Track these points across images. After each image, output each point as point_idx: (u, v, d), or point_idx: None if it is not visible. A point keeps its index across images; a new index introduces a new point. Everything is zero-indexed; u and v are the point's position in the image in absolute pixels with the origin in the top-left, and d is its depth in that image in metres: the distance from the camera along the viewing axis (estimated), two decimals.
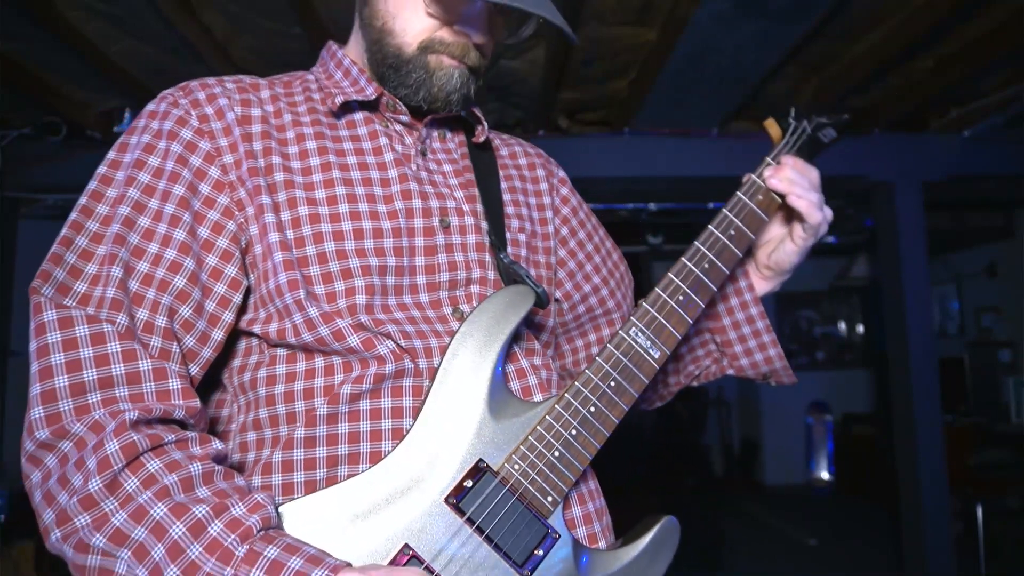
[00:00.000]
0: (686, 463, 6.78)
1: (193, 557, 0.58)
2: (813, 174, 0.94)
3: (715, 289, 0.86)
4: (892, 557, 4.47)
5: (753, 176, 0.93)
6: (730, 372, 1.09)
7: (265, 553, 0.58)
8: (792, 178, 0.91)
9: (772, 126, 0.99)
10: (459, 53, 0.83)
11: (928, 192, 3.83)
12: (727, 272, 0.87)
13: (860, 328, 7.69)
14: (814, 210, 0.92)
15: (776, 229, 1.02)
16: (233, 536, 0.59)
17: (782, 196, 0.92)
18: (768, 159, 0.94)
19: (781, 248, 1.00)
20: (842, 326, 7.78)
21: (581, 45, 2.31)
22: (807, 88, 3.42)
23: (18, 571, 3.07)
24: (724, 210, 0.90)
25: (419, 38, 0.83)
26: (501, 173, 0.96)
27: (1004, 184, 4.22)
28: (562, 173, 1.08)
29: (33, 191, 3.77)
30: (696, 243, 0.87)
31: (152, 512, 0.59)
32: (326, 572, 0.58)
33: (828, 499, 6.87)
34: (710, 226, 0.88)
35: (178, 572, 0.58)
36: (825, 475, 7.22)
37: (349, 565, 0.61)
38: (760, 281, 1.05)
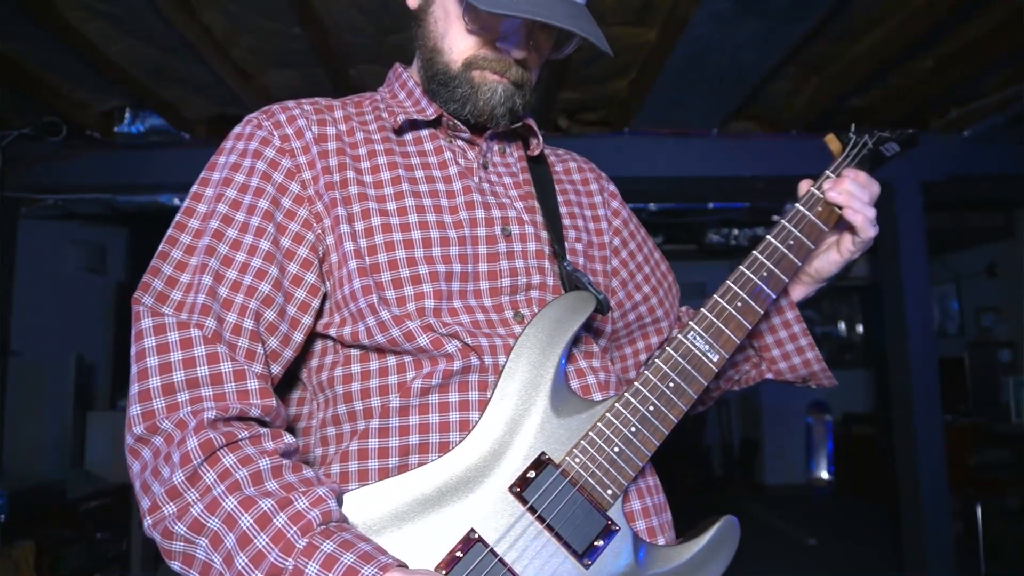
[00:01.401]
0: (686, 463, 6.78)
1: (260, 547, 0.63)
2: (875, 188, 0.95)
3: (774, 297, 0.88)
4: (892, 557, 4.47)
5: (812, 188, 0.94)
6: (769, 376, 1.11)
7: (322, 547, 0.63)
8: (851, 191, 0.92)
9: (832, 141, 0.99)
10: (501, 69, 0.88)
11: (928, 192, 3.83)
12: (786, 280, 0.89)
13: (860, 328, 7.69)
14: (868, 226, 0.93)
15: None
16: (295, 529, 0.64)
17: (839, 208, 0.93)
18: (828, 172, 0.95)
19: (824, 257, 1.01)
20: (842, 326, 7.78)
21: (580, 45, 2.32)
22: (807, 88, 3.42)
23: (18, 571, 3.07)
24: (783, 221, 0.91)
25: (464, 55, 0.88)
26: (557, 187, 1.01)
27: (1004, 184, 4.22)
28: (612, 187, 1.13)
29: (33, 191, 3.77)
30: (755, 252, 0.88)
31: (224, 504, 0.65)
32: (375, 570, 0.62)
33: (828, 499, 6.87)
34: (768, 236, 0.90)
35: (247, 560, 0.63)
36: (825, 475, 7.22)
37: (403, 565, 0.65)
38: (797, 287, 1.06)
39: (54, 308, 4.46)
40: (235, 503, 0.65)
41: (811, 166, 3.81)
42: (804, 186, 0.96)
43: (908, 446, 3.75)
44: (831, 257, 1.00)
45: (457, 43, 0.88)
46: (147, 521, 0.68)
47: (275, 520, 0.64)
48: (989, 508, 4.36)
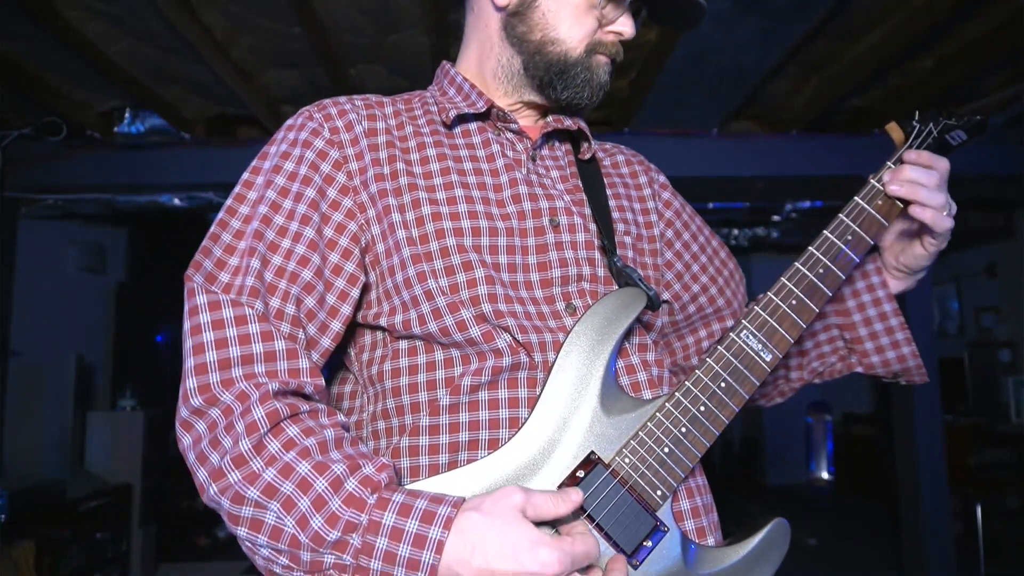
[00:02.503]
0: None
1: (334, 508, 0.66)
2: (941, 165, 0.88)
3: (830, 294, 0.85)
4: (892, 557, 4.47)
5: (872, 180, 0.89)
6: (858, 370, 1.07)
7: (393, 499, 0.67)
8: (914, 179, 0.86)
9: (894, 129, 0.94)
10: (613, 52, 0.94)
11: None
12: (843, 277, 0.86)
13: None
14: (940, 219, 0.88)
15: (901, 229, 0.98)
16: (366, 490, 0.67)
17: (904, 202, 0.88)
18: (889, 164, 0.90)
19: (909, 252, 0.98)
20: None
21: None
22: (807, 88, 3.42)
23: (18, 571, 3.07)
24: (841, 215, 0.87)
25: (584, 42, 0.92)
26: (605, 181, 1.01)
27: (1004, 184, 4.22)
28: (663, 178, 1.13)
29: (33, 191, 3.77)
30: (811, 248, 0.86)
31: (298, 469, 0.68)
32: (449, 508, 0.66)
33: (828, 499, 6.87)
34: (825, 231, 0.86)
35: (322, 520, 0.66)
36: (825, 475, 7.22)
37: (463, 499, 0.68)
38: (893, 280, 1.03)
39: (54, 308, 4.46)
40: (309, 467, 0.68)
41: (812, 166, 3.81)
42: (869, 184, 0.91)
43: (908, 446, 3.76)
44: (916, 252, 0.96)
45: (575, 31, 0.91)
46: (211, 489, 0.69)
47: (347, 484, 0.67)
48: (989, 508, 4.35)
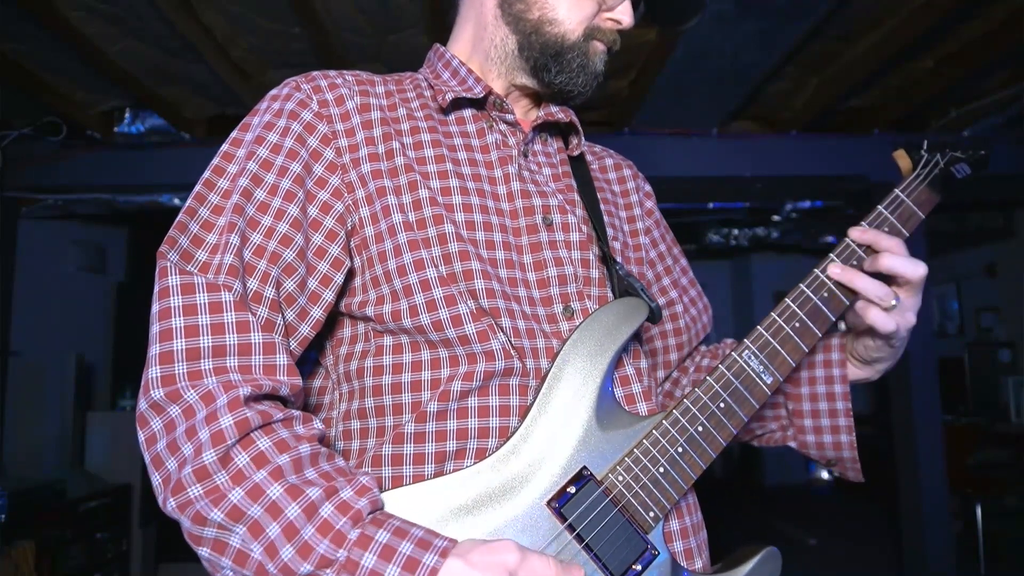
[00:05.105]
0: None
1: (307, 538, 0.60)
2: (912, 271, 0.83)
3: (833, 319, 0.83)
4: (892, 557, 4.47)
5: (882, 209, 0.87)
6: (792, 445, 1.01)
7: (376, 537, 0.61)
8: (870, 288, 0.82)
9: (902, 157, 0.92)
10: (611, 40, 0.91)
11: None
12: (847, 303, 0.84)
13: None
14: (888, 321, 0.83)
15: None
16: (344, 519, 0.61)
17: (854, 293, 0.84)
18: (897, 191, 0.88)
19: (860, 341, 0.93)
20: (842, 326, 7.75)
21: None
22: (807, 88, 3.42)
23: (18, 571, 3.07)
24: (847, 239, 0.85)
25: (583, 25, 0.88)
26: (594, 184, 0.98)
27: (1004, 184, 4.22)
28: (648, 187, 1.11)
29: (33, 191, 3.77)
30: (816, 271, 0.84)
31: (268, 492, 0.62)
32: (435, 556, 0.60)
33: (828, 499, 6.87)
34: (832, 255, 0.84)
35: (293, 551, 0.60)
36: (825, 475, 7.22)
37: (454, 542, 0.63)
38: (851, 365, 0.96)
39: (54, 308, 4.46)
40: (281, 491, 0.61)
41: (811, 166, 3.81)
42: (893, 194, 0.89)
43: (908, 446, 3.76)
44: (866, 341, 0.91)
45: (577, 12, 0.87)
46: (170, 503, 0.63)
47: (321, 510, 0.61)
48: (989, 508, 4.36)
